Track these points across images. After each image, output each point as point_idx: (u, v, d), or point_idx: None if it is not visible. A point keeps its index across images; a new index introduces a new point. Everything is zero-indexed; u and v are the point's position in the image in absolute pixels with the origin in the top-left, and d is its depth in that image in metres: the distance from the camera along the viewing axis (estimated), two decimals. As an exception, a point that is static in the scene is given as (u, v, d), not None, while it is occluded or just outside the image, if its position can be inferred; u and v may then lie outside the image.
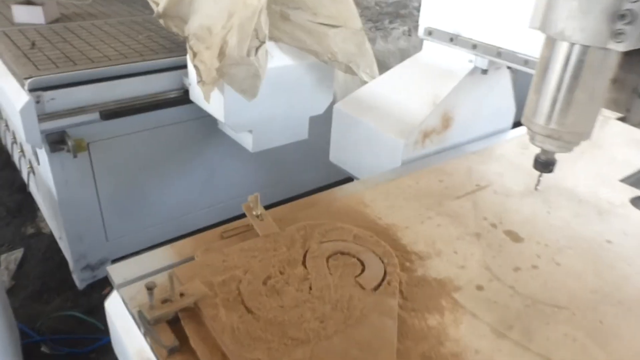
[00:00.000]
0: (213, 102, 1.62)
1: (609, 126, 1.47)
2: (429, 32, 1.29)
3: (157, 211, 2.00)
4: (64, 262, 1.99)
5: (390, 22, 2.70)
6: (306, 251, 0.81)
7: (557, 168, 1.21)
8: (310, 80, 1.79)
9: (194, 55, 1.62)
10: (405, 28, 2.70)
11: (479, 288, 0.79)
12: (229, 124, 1.64)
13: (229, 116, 1.62)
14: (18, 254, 2.08)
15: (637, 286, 0.84)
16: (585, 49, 0.77)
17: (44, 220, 2.24)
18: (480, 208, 1.00)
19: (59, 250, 2.03)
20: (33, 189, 2.17)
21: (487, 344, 0.69)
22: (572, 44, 0.78)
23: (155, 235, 2.01)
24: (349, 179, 1.33)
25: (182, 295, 0.69)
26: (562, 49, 0.79)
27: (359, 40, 1.84)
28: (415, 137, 1.18)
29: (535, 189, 1.05)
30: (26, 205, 2.35)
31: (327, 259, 0.79)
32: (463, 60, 1.25)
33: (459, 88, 1.23)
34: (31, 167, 2.01)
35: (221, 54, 1.49)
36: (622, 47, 0.74)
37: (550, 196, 1.09)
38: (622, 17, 0.72)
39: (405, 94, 1.27)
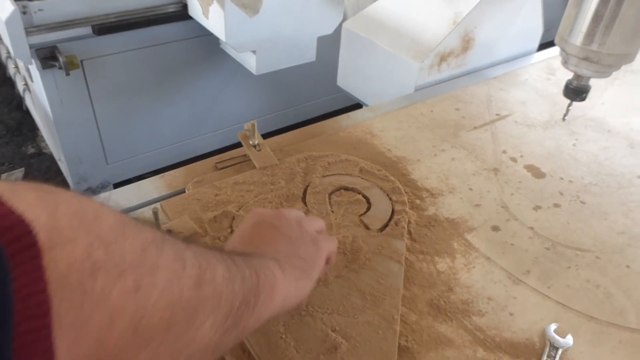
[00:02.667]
0: (213, 18, 1.50)
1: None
2: (452, -61, 1.14)
3: (158, 135, 1.93)
4: (65, 184, 1.95)
5: None
6: (307, 186, 0.74)
7: (588, 97, 1.10)
8: (319, -5, 1.64)
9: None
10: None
11: (495, 229, 0.72)
12: (230, 43, 1.52)
13: (230, 34, 1.50)
14: (19, 173, 2.04)
15: (668, 228, 0.77)
16: (640, -47, 0.65)
17: (44, 140, 2.18)
18: (499, 140, 0.91)
19: (60, 172, 1.99)
20: (30, 107, 2.10)
21: (501, 290, 0.63)
22: (625, -52, 0.66)
23: (158, 159, 1.96)
24: (359, 105, 1.24)
25: (168, 232, 0.63)
26: (612, -47, 0.67)
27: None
28: (431, 60, 1.07)
29: (563, 119, 0.95)
30: (26, 124, 2.28)
31: (330, 195, 0.73)
32: (489, -28, 1.10)
33: (483, 4, 1.10)
34: (26, 84, 1.92)
35: (219, -37, 1.35)
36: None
37: (577, 127, 0.99)
38: None
39: (422, 11, 1.14)
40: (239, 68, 1.75)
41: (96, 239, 0.24)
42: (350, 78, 1.25)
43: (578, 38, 0.74)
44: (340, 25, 1.59)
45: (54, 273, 0.21)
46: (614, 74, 1.21)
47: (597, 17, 0.71)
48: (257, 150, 0.79)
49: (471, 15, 1.09)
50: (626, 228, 0.76)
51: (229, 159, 0.80)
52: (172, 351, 0.28)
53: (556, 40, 0.79)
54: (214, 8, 1.46)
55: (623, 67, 1.17)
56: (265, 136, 0.86)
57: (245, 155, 0.80)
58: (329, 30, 1.73)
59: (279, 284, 0.41)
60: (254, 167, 0.77)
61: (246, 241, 0.48)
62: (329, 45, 1.71)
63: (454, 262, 0.65)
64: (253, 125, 0.79)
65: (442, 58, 1.10)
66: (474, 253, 0.68)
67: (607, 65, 0.75)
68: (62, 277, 0.22)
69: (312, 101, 2.26)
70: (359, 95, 1.24)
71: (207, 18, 1.46)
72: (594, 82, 1.06)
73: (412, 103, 1.01)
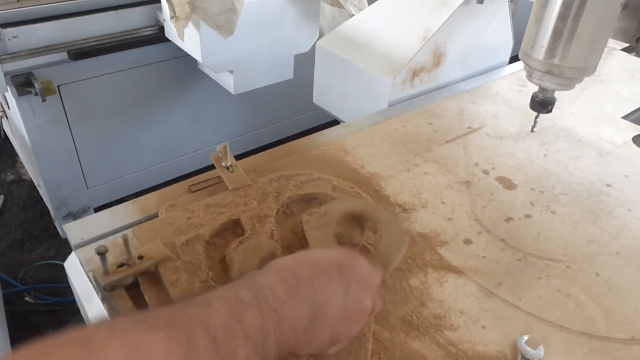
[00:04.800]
0: (188, 40, 1.51)
1: (613, 58, 1.37)
2: (420, -43, 1.16)
3: (138, 157, 1.93)
4: (45, 209, 1.93)
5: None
6: (280, 205, 0.74)
7: (555, 106, 1.12)
8: (294, 14, 1.66)
9: (168, -13, 1.48)
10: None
11: (467, 242, 0.73)
12: (207, 63, 1.53)
13: (207, 55, 1.51)
14: (-1, 201, 2.02)
15: (636, 233, 0.79)
16: (593, -30, 0.67)
17: (23, 166, 2.17)
18: (471, 153, 0.93)
19: (40, 198, 1.97)
20: (8, 133, 2.08)
21: (473, 303, 0.63)
22: (579, -35, 0.68)
23: (139, 182, 1.95)
24: (337, 121, 1.25)
25: (140, 258, 0.63)
26: (567, -30, 0.69)
27: (346, -32, 1.70)
28: (403, 75, 1.08)
29: (532, 130, 0.97)
30: (5, 151, 2.26)
31: (302, 214, 0.73)
32: (457, -11, 1.13)
33: (453, 20, 1.12)
34: (3, 110, 1.91)
35: (193, -14, 1.36)
36: (636, -33, 0.64)
37: (548, 137, 1.01)
38: None
39: (393, 28, 1.16)
40: (217, 88, 1.76)
41: None
42: (325, 95, 1.26)
43: (540, 53, 0.76)
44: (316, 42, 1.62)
45: None
46: (584, 84, 1.24)
47: (556, 32, 0.73)
48: (230, 172, 0.79)
49: (441, 30, 1.11)
50: (595, 236, 0.77)
51: (202, 182, 0.80)
52: None
53: (520, 55, 0.80)
54: (190, 30, 1.47)
55: (591, 78, 1.20)
56: (243, 155, 0.87)
57: (218, 177, 0.80)
58: (305, 47, 1.75)
59: (300, 339, 0.42)
60: (227, 188, 0.77)
61: (298, 275, 0.44)
62: (307, 62, 1.73)
63: (426, 277, 0.66)
64: (225, 147, 0.79)
65: (415, 73, 1.12)
66: (446, 267, 0.68)
67: (570, 78, 0.77)
68: None
69: (291, 119, 2.27)
70: (335, 112, 1.25)
71: (183, 40, 1.47)
72: (563, 93, 1.08)
73: (386, 119, 1.02)
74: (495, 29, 1.25)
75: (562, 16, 0.72)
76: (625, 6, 0.83)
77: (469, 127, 1.01)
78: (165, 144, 1.98)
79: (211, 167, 0.82)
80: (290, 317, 0.40)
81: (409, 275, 0.66)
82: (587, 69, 0.77)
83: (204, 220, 0.70)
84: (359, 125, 1.00)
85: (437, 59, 1.15)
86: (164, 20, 1.64)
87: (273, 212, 0.72)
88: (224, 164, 0.80)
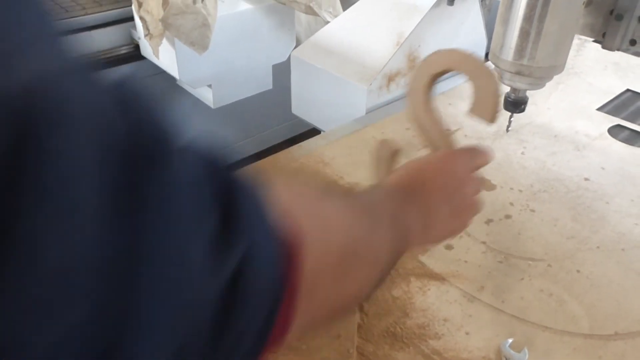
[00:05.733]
0: (164, 57, 1.50)
1: (586, 50, 1.39)
2: (388, -38, 1.17)
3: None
4: None
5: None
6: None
7: (531, 102, 1.13)
8: (269, 25, 1.66)
9: (139, 5, 1.48)
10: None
11: (448, 247, 0.73)
12: (184, 80, 1.52)
13: (184, 71, 1.51)
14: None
15: (615, 226, 0.79)
16: (553, -30, 0.68)
17: None
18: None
19: None
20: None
21: (456, 310, 0.64)
22: (539, -34, 0.68)
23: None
24: (317, 130, 1.25)
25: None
26: (529, -28, 0.70)
27: (319, -25, 1.70)
28: (379, 82, 1.09)
29: (507, 130, 0.98)
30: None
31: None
32: (427, -8, 1.14)
33: (425, 23, 1.13)
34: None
35: (165, 3, 1.36)
36: (594, -34, 0.65)
37: (525, 135, 1.02)
38: None
39: (366, 34, 1.16)
40: (197, 103, 1.76)
41: (329, 243, 0.33)
42: (303, 105, 1.26)
43: (509, 54, 0.76)
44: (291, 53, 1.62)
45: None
46: (558, 78, 1.25)
47: (523, 33, 0.74)
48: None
49: (414, 34, 1.12)
50: (575, 232, 0.78)
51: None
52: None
53: (490, 58, 0.81)
54: (165, 47, 1.47)
55: (565, 71, 1.21)
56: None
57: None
58: (283, 57, 1.75)
59: (414, 244, 0.49)
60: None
61: (409, 183, 0.50)
62: (285, 71, 1.73)
63: (409, 286, 0.66)
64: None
65: (390, 78, 1.12)
66: (429, 274, 0.68)
67: (539, 78, 0.77)
68: (311, 272, 0.29)
69: (273, 128, 2.27)
70: (314, 121, 1.25)
71: (158, 58, 1.47)
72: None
73: (364, 126, 1.02)
74: (468, 30, 1.26)
75: (527, 17, 0.73)
76: (589, 3, 0.84)
77: (446, 130, 1.01)
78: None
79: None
80: (409, 222, 0.46)
81: (391, 286, 0.66)
82: (555, 67, 0.77)
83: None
84: (337, 135, 1.00)
85: (412, 62, 1.15)
86: (139, 39, 1.63)
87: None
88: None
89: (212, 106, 1.66)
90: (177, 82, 1.83)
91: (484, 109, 0.62)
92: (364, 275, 0.38)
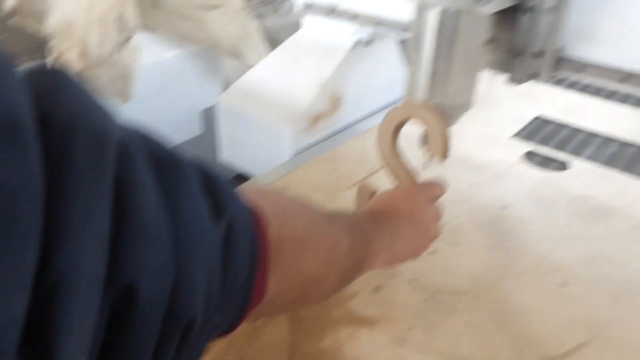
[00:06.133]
0: (86, 110, 1.46)
1: (498, 82, 1.46)
2: (307, 6, 1.20)
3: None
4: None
5: (280, -6, 2.57)
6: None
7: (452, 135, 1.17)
8: (195, 70, 1.65)
9: (58, 56, 1.43)
10: (296, -1, 2.59)
11: (377, 289, 0.73)
12: (108, 131, 1.48)
13: (107, 122, 1.46)
14: None
15: (534, 251, 0.83)
16: (453, 13, 0.71)
17: None
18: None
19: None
20: None
21: (388, 354, 0.63)
22: (440, 10, 0.72)
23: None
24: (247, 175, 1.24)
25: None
26: (432, 15, 0.73)
27: (242, 20, 1.72)
28: (303, 124, 1.10)
29: (423, 168, 1.01)
30: None
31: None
32: (345, 34, 1.17)
33: (345, 64, 1.16)
34: None
35: (83, 54, 1.33)
36: (489, 9, 0.69)
37: (448, 167, 1.05)
38: (482, -21, 0.67)
39: (289, 77, 1.18)
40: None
41: (287, 222, 0.41)
42: (232, 150, 1.26)
43: (422, 93, 0.79)
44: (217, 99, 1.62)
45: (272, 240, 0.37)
46: (475, 109, 1.31)
47: (432, 74, 0.77)
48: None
49: (335, 75, 1.14)
50: (498, 261, 0.80)
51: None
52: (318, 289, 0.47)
53: (404, 96, 0.84)
54: (86, 99, 1.43)
55: (481, 101, 1.27)
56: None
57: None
58: (211, 101, 1.74)
59: (379, 259, 0.56)
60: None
61: (378, 208, 0.62)
62: (214, 114, 1.72)
63: (337, 335, 0.65)
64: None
65: (315, 120, 1.14)
66: (357, 320, 0.68)
67: (451, 114, 0.80)
68: (274, 241, 0.37)
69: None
70: (243, 166, 1.24)
71: (78, 111, 1.42)
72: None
73: (290, 171, 1.02)
74: (388, 67, 1.30)
75: (434, 58, 0.76)
76: (492, 41, 0.89)
77: (371, 169, 1.03)
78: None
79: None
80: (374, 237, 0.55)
81: (320, 337, 0.65)
82: (465, 104, 0.81)
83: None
84: (263, 181, 0.99)
85: (335, 102, 1.18)
86: (59, 91, 1.58)
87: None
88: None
89: (140, 155, 1.62)
90: (103, 133, 1.77)
91: (436, 149, 0.74)
92: (321, 260, 0.45)
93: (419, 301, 0.72)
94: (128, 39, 1.36)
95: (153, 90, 1.53)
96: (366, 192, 0.80)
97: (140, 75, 1.39)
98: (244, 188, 0.39)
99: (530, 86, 1.42)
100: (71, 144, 0.23)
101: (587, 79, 0.84)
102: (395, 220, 0.60)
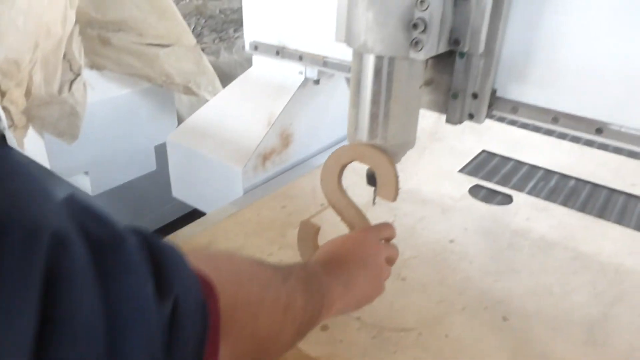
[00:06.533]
0: (31, 148, 1.42)
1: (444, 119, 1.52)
2: (255, 47, 1.22)
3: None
4: None
5: (235, 31, 2.61)
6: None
7: (400, 169, 1.20)
8: (148, 107, 1.65)
9: (3, 94, 1.40)
10: (250, 35, 2.63)
11: (324, 328, 0.74)
12: (56, 169, 1.44)
13: (55, 161, 1.43)
14: None
15: (478, 285, 0.85)
16: (389, 60, 0.74)
17: None
18: (325, 231, 0.95)
19: None
20: None
21: (332, 395, 0.63)
22: (377, 56, 0.75)
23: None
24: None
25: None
26: (369, 61, 0.76)
27: (196, 57, 1.73)
28: (253, 161, 1.11)
29: (373, 204, 1.03)
30: None
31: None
32: (293, 73, 1.20)
33: (294, 102, 1.18)
34: None
35: (28, 93, 1.30)
36: (422, 56, 0.72)
37: (396, 203, 1.07)
38: (415, 26, 0.70)
39: (239, 115, 1.19)
40: (75, 189, 1.66)
41: (240, 288, 0.42)
42: (183, 188, 1.25)
43: (363, 135, 0.81)
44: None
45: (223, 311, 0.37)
46: (423, 144, 1.35)
47: (372, 116, 0.79)
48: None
49: (284, 113, 1.16)
50: (443, 296, 0.82)
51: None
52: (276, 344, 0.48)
53: (347, 137, 0.86)
54: (32, 136, 1.39)
55: (429, 137, 1.31)
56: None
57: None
58: (165, 137, 1.73)
59: (335, 307, 0.57)
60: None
61: (330, 256, 0.63)
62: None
63: (283, 378, 0.65)
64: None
65: (265, 157, 1.15)
66: (305, 359, 0.68)
67: (393, 154, 0.83)
68: (227, 309, 0.38)
69: (161, 209, 2.19)
70: (195, 203, 1.24)
71: (23, 149, 1.39)
72: (407, 155, 1.16)
73: (240, 209, 1.02)
74: (337, 104, 1.33)
75: (374, 101, 0.78)
76: (430, 82, 0.93)
77: (321, 205, 1.04)
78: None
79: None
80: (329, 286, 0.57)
81: (264, 381, 0.64)
82: (407, 143, 0.83)
83: None
84: (213, 220, 0.99)
85: (286, 140, 1.19)
86: (5, 128, 1.54)
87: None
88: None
89: (90, 193, 1.58)
90: (50, 169, 1.73)
91: (386, 191, 0.78)
92: (277, 319, 0.46)
93: (365, 339, 0.72)
94: (76, 77, 1.34)
95: (106, 127, 1.52)
96: (309, 229, 0.82)
97: (93, 112, 1.38)
98: (195, 254, 0.39)
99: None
100: None
101: (521, 119, 0.89)
102: (348, 268, 0.61)
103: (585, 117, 0.82)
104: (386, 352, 0.70)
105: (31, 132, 1.38)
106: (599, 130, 0.81)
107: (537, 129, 1.49)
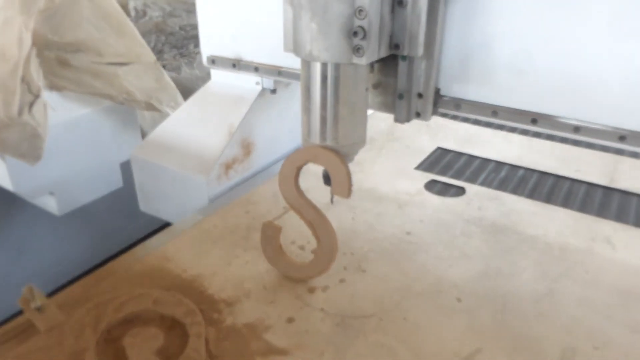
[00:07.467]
0: (-6, 172, 1.42)
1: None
2: (212, 61, 1.26)
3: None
4: None
5: (195, 46, 2.64)
6: (99, 335, 0.72)
7: (359, 170, 1.26)
8: (111, 125, 1.66)
9: (-39, 122, 1.40)
10: (211, 50, 2.67)
11: (290, 320, 0.78)
12: (19, 191, 1.45)
13: (19, 183, 1.43)
14: None
15: (433, 272, 0.91)
16: (334, 66, 0.80)
17: None
18: (288, 232, 1.00)
19: None
20: None
21: (299, 381, 0.67)
22: (323, 64, 0.80)
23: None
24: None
25: None
26: (316, 69, 0.81)
27: (156, 73, 1.76)
28: (216, 171, 1.14)
29: (331, 202, 1.08)
30: None
31: (125, 336, 0.72)
32: (250, 84, 1.24)
33: (252, 112, 1.23)
34: None
35: (-12, 118, 1.31)
36: (364, 61, 0.78)
37: (354, 201, 1.13)
38: (355, 34, 0.76)
39: (200, 127, 1.23)
40: (39, 212, 1.66)
41: None
42: (150, 201, 1.27)
43: (315, 138, 0.86)
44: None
45: None
46: (380, 144, 1.41)
47: (322, 119, 0.84)
48: (42, 312, 0.76)
49: (243, 123, 1.20)
50: (400, 284, 0.87)
51: (11, 330, 0.75)
52: None
53: (302, 142, 0.91)
54: (-5, 161, 1.40)
55: (387, 137, 1.37)
56: (80, 277, 0.84)
57: (29, 319, 0.76)
58: (129, 153, 1.75)
59: None
60: (40, 331, 0.73)
61: None
62: (133, 168, 1.72)
63: (252, 368, 0.69)
64: (30, 288, 0.76)
65: (228, 166, 1.18)
66: (273, 351, 0.72)
67: (346, 153, 0.88)
68: None
69: (129, 227, 2.20)
70: (162, 215, 1.26)
71: (-14, 174, 1.39)
72: (365, 155, 1.21)
73: (206, 216, 1.06)
74: (295, 112, 1.38)
75: (323, 106, 0.84)
76: (378, 85, 0.99)
77: (284, 207, 1.08)
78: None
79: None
80: None
81: (234, 372, 0.68)
82: (357, 143, 0.89)
83: (13, 374, 0.66)
84: (179, 229, 1.02)
85: (247, 148, 1.23)
86: (-35, 155, 1.53)
87: (92, 344, 0.71)
88: (33, 305, 0.76)
89: (57, 213, 1.58)
90: (14, 192, 1.72)
91: (340, 189, 0.84)
92: None
93: (329, 328, 0.77)
94: (35, 99, 1.36)
95: (70, 147, 1.53)
96: (271, 230, 0.86)
97: (55, 133, 1.39)
98: None
99: (433, 118, 1.56)
100: None
101: (464, 114, 0.95)
102: None
103: (520, 109, 0.88)
104: (349, 338, 0.75)
105: (-7, 156, 1.38)
106: (534, 121, 0.88)
107: (488, 125, 1.57)
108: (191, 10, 3.43)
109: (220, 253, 0.93)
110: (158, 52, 2.64)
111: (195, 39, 2.83)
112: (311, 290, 0.85)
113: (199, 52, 2.67)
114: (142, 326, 0.74)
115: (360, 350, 0.73)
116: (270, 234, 0.88)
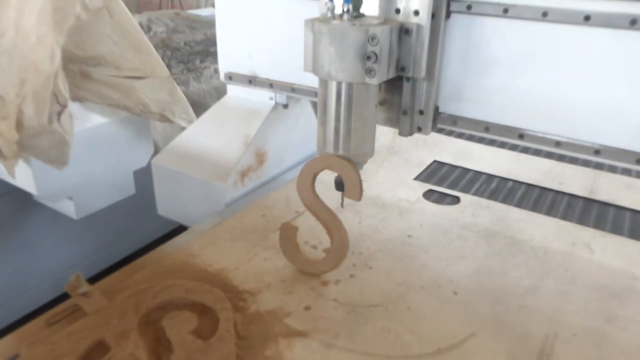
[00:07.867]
0: (20, 176, 1.52)
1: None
2: (230, 77, 1.38)
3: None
4: None
5: (202, 62, 2.75)
6: (140, 317, 0.82)
7: (364, 179, 1.36)
8: (127, 134, 1.76)
9: (-11, 129, 1.50)
10: (217, 66, 2.79)
11: (307, 308, 0.88)
12: (43, 195, 1.54)
13: (42, 188, 1.53)
14: None
15: (432, 270, 1.01)
16: (349, 85, 0.91)
17: None
18: (301, 233, 1.10)
19: None
20: None
21: (318, 357, 0.78)
22: (339, 83, 0.92)
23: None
24: (184, 227, 1.35)
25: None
26: (333, 87, 0.93)
27: (169, 87, 1.86)
28: (233, 178, 1.25)
29: (342, 206, 1.19)
30: None
31: (162, 319, 0.82)
32: (265, 99, 1.36)
33: (266, 125, 1.34)
34: None
35: (19, 125, 1.41)
36: (375, 81, 0.89)
37: (360, 207, 1.24)
38: (368, 58, 0.87)
39: (218, 138, 1.34)
40: (57, 215, 1.75)
41: None
42: (169, 206, 1.37)
43: (330, 147, 0.98)
44: (154, 155, 1.73)
45: None
46: (382, 157, 1.52)
47: (336, 131, 0.96)
48: (87, 297, 0.85)
49: (258, 134, 1.31)
50: (403, 279, 0.98)
51: (61, 312, 0.85)
52: None
53: (317, 151, 1.02)
54: (21, 165, 1.49)
55: (388, 151, 1.48)
56: (95, 278, 0.93)
57: (76, 304, 0.86)
58: (143, 163, 1.84)
59: None
60: (87, 313, 0.83)
61: None
62: (146, 175, 1.82)
63: (278, 346, 0.79)
64: (78, 276, 0.85)
65: (243, 174, 1.29)
66: (293, 333, 0.82)
67: (357, 162, 0.99)
68: None
69: (139, 232, 2.29)
70: (180, 219, 1.36)
71: (14, 178, 1.48)
72: (369, 167, 1.32)
73: (225, 219, 1.16)
74: (303, 126, 1.50)
75: (337, 120, 0.95)
76: (384, 102, 1.10)
77: (296, 212, 1.19)
78: (7, 282, 1.87)
79: (64, 296, 0.87)
80: None
81: (262, 349, 0.78)
82: (367, 153, 1.00)
83: (69, 348, 0.75)
84: (201, 229, 1.12)
85: (260, 158, 1.34)
86: (-11, 160, 1.62)
87: (134, 325, 0.80)
88: (79, 291, 0.86)
89: (74, 217, 1.68)
90: (34, 198, 1.81)
91: (352, 193, 0.95)
92: None
93: (341, 315, 0.87)
94: (62, 109, 1.46)
95: (86, 154, 1.62)
96: (289, 230, 0.97)
97: (76, 141, 1.48)
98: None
99: (427, 136, 1.68)
100: None
101: (460, 130, 1.07)
102: None
103: (509, 126, 1.00)
104: (359, 323, 0.85)
105: (20, 163, 1.48)
106: (521, 136, 1.00)
107: (480, 140, 1.70)
108: (194, 27, 3.57)
109: (241, 250, 1.03)
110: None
111: (200, 54, 2.95)
112: (324, 283, 0.95)
113: (205, 67, 2.80)
114: (177, 310, 0.84)
115: (369, 334, 0.83)
116: (288, 234, 0.98)
